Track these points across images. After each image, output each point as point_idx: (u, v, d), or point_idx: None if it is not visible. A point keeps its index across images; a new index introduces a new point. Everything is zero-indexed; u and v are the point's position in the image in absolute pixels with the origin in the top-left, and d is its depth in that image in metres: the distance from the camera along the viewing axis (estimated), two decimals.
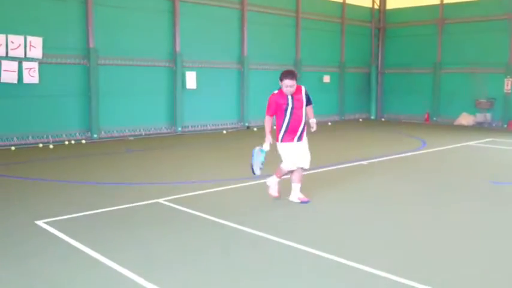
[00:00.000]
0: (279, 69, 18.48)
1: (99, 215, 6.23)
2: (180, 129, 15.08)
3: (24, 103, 12.12)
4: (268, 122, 6.74)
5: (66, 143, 12.43)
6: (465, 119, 19.32)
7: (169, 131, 15.02)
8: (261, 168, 6.77)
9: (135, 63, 14.03)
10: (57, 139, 12.61)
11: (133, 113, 14.13)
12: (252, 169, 6.73)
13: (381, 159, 10.78)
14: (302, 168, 6.91)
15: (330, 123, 19.11)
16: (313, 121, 6.78)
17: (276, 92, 6.68)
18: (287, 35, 18.43)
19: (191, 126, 15.51)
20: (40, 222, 5.81)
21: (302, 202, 6.84)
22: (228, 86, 16.64)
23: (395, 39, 21.79)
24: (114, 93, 13.71)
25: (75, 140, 12.74)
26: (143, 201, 6.84)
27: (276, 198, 6.96)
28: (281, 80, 6.57)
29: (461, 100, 19.58)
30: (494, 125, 18.67)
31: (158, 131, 14.76)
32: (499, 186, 8.32)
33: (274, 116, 6.76)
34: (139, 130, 14.32)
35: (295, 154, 6.75)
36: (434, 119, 20.31)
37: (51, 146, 11.86)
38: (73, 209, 6.42)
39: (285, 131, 6.69)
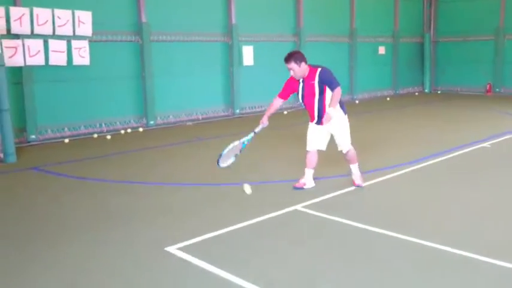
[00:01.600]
0: (335, 41, 17.11)
1: (235, 232, 4.79)
2: (238, 111, 13.57)
3: (74, 88, 10.61)
4: (273, 102, 6.09)
5: (123, 132, 10.95)
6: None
7: (226, 113, 13.51)
8: (234, 157, 5.82)
9: (189, 39, 12.44)
10: (111, 127, 11.15)
11: (188, 95, 12.62)
12: (218, 159, 5.69)
13: (499, 139, 9.27)
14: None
15: (388, 99, 17.57)
16: (328, 111, 5.67)
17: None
18: (341, 4, 16.75)
19: (248, 108, 13.98)
20: (171, 248, 4.39)
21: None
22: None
23: (450, 4, 19.98)
24: (168, 73, 12.18)
25: (131, 128, 11.26)
26: (278, 209, 5.38)
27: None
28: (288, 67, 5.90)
29: (462, 67, 18.05)
30: None
31: (215, 114, 13.26)
32: None
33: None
34: (196, 114, 12.82)
35: (314, 136, 6.05)
36: (497, 90, 18.68)
37: (108, 137, 10.36)
38: (200, 224, 5.00)
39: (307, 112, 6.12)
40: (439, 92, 19.90)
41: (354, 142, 6.13)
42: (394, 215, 5.18)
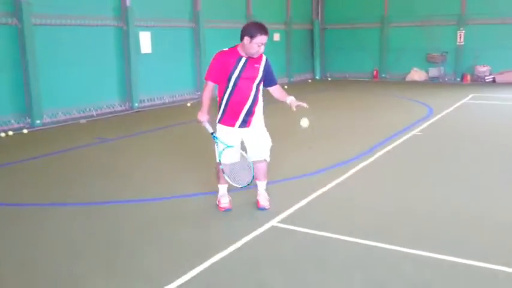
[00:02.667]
0: (232, 27, 16.14)
1: (214, 267, 3.74)
2: (136, 105, 12.09)
3: None
4: (207, 90, 4.57)
5: (3, 135, 8.99)
6: (418, 75, 18.65)
7: (124, 108, 11.96)
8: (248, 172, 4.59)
9: (78, 23, 10.66)
10: None
11: (79, 88, 10.86)
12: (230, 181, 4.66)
13: (424, 125, 9.19)
14: (257, 160, 4.76)
15: (286, 87, 17.20)
16: (292, 99, 4.66)
17: (225, 50, 4.56)
18: None
19: (147, 101, 12.56)
20: None
21: (258, 208, 4.87)
22: (183, 48, 13.81)
23: None
24: (55, 63, 10.32)
25: (12, 130, 9.28)
26: (253, 229, 4.40)
27: (223, 211, 4.85)
28: (251, 35, 4.38)
29: (410, 55, 18.80)
30: (447, 79, 18.22)
31: (111, 109, 11.64)
32: None
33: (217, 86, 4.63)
34: (90, 109, 11.11)
35: (229, 143, 4.62)
36: (384, 75, 19.39)
37: None
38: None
39: (224, 110, 4.61)
40: (329, 78, 20.12)
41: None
42: (371, 222, 4.51)
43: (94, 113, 11.13)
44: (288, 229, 4.41)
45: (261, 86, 4.68)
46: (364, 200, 5.20)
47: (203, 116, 4.56)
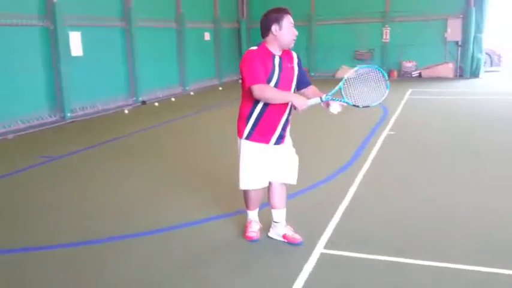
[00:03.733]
0: (164, 26, 14.98)
1: None
2: (69, 114, 10.69)
3: None
4: (268, 88, 3.56)
5: None
6: (347, 71, 18.76)
7: (55, 118, 10.51)
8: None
9: None
10: None
11: (2, 98, 9.33)
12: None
13: (390, 125, 8.97)
14: (283, 183, 3.97)
15: (220, 88, 16.47)
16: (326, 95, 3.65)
17: (254, 48, 3.72)
18: None
19: (79, 109, 11.19)
20: None
21: (289, 243, 3.96)
22: (114, 49, 12.55)
23: None
24: None
25: None
26: (302, 263, 3.69)
27: (250, 241, 4.04)
28: (278, 20, 3.62)
29: (339, 52, 18.91)
30: None
31: (41, 121, 10.17)
32: None
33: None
34: (18, 123, 9.60)
35: (264, 164, 3.82)
36: (313, 74, 19.31)
37: None
38: None
39: (255, 123, 3.75)
40: None
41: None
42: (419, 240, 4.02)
43: (22, 126, 9.64)
44: (341, 256, 3.76)
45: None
46: (393, 212, 4.69)
47: (301, 100, 3.52)
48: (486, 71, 17.97)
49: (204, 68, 17.08)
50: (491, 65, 20.05)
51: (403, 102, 11.79)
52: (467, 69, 17.38)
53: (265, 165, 3.82)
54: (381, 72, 3.73)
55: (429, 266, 3.56)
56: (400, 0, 17.85)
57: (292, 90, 3.80)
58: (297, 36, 3.76)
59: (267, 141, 3.78)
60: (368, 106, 3.69)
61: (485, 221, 4.40)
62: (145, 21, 13.30)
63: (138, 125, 9.82)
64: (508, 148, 7.11)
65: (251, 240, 4.03)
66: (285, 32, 3.65)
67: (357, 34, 18.46)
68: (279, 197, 3.98)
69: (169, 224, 4.52)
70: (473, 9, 16.85)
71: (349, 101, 3.64)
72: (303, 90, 3.92)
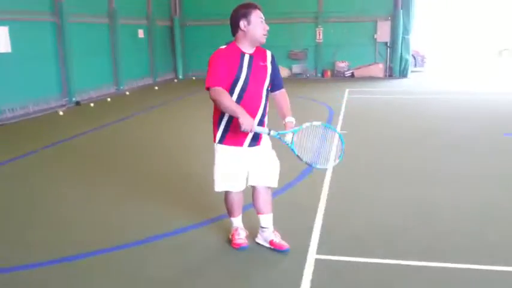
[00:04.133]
0: (96, 22, 14.12)
1: None
2: None
3: None
4: (224, 95, 3.35)
5: None
6: (282, 71, 18.91)
7: None
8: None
9: None
10: None
11: None
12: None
13: (339, 124, 9.06)
14: (266, 187, 3.75)
15: (156, 88, 15.93)
16: (290, 121, 3.57)
17: (223, 47, 3.52)
18: None
19: (9, 111, 10.30)
20: None
21: (276, 250, 3.77)
22: (45, 46, 11.69)
23: None
24: None
25: None
26: (299, 271, 3.53)
27: (239, 248, 3.82)
28: (245, 15, 3.42)
29: (274, 52, 18.48)
30: (309, 75, 18.83)
31: None
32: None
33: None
34: None
35: (239, 167, 3.63)
36: None
37: None
38: None
39: (226, 127, 3.55)
40: (193, 78, 19.29)
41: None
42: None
43: None
44: (337, 260, 3.65)
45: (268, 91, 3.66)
46: (375, 211, 4.67)
47: (248, 120, 3.25)
48: (412, 71, 18.83)
49: (138, 66, 16.47)
50: (416, 65, 21.05)
51: (344, 101, 12.01)
52: (396, 69, 18.10)
53: (241, 168, 3.63)
54: (342, 142, 3.57)
55: (426, 266, 3.55)
56: (332, 1, 18.23)
57: (265, 91, 3.57)
58: (268, 31, 3.52)
59: (240, 144, 3.58)
60: (310, 165, 3.51)
61: (472, 217, 4.49)
62: (77, 16, 12.54)
63: (77, 128, 9.17)
64: (458, 140, 7.40)
65: (240, 247, 3.81)
66: (254, 26, 3.43)
67: (291, 34, 18.63)
68: (263, 202, 3.78)
69: (139, 237, 4.18)
70: (401, 11, 17.57)
71: (295, 150, 3.45)
72: (274, 93, 3.72)
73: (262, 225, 3.84)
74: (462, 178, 5.71)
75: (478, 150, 7.07)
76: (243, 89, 3.46)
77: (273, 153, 3.78)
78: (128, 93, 14.42)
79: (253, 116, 3.48)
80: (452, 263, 3.57)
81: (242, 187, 3.70)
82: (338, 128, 8.64)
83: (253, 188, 3.76)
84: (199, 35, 19.41)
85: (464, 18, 30.77)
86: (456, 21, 31.10)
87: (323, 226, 4.27)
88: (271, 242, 3.82)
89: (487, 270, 3.48)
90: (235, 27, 3.48)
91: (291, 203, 4.91)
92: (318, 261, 3.62)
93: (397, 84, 16.24)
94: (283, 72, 18.70)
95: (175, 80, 18.52)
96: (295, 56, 18.77)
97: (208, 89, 3.40)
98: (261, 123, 3.57)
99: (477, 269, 3.49)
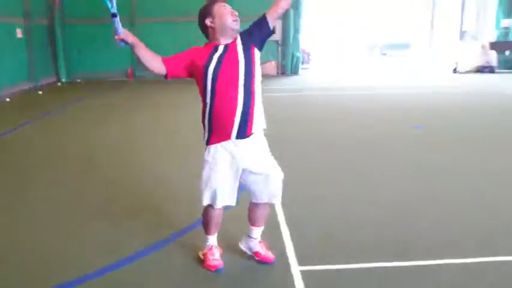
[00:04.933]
0: None
1: None
2: None
3: None
4: (155, 60, 3.19)
5: None
6: None
7: None
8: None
9: None
10: None
11: None
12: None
13: None
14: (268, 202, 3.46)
15: (40, 92, 14.48)
16: None
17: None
18: None
19: None
20: None
21: (261, 261, 3.53)
22: None
23: None
24: None
25: None
26: (287, 285, 3.26)
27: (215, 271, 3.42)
28: (209, 11, 3.14)
29: (164, 51, 18.16)
30: None
31: None
32: (420, 129, 8.30)
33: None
34: None
35: (230, 175, 3.27)
36: (138, 74, 18.41)
37: None
38: None
39: (210, 122, 3.22)
40: (78, 80, 17.95)
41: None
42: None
43: None
44: (321, 270, 3.45)
45: (256, 81, 3.21)
46: (336, 212, 4.55)
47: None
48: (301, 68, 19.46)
49: (16, 70, 14.85)
50: (302, 63, 21.80)
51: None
52: (288, 67, 18.54)
53: (233, 176, 3.27)
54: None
55: (407, 265, 3.49)
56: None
57: (241, 88, 3.13)
58: (237, 16, 3.17)
59: (228, 136, 3.17)
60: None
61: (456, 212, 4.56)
62: None
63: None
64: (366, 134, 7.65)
65: (216, 269, 3.43)
66: (220, 17, 3.12)
67: (182, 33, 18.06)
68: (260, 215, 3.51)
69: (99, 266, 3.61)
70: (292, 10, 17.99)
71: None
72: (267, 18, 3.21)
73: (252, 235, 3.55)
74: (375, 172, 5.86)
75: (392, 145, 7.36)
76: (214, 79, 3.11)
77: (275, 162, 3.39)
78: (8, 99, 12.90)
79: (233, 107, 3.12)
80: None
81: (233, 202, 3.32)
82: None
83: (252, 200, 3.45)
84: (83, 34, 18.12)
85: (340, 17, 32.64)
86: (333, 20, 32.88)
87: (292, 235, 4.04)
88: (256, 253, 3.55)
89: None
90: (204, 30, 3.20)
91: (243, 215, 4.62)
92: (305, 274, 3.38)
93: (292, 81, 16.67)
94: None
95: (59, 84, 17.06)
96: None
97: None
98: (246, 116, 3.15)
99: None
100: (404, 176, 5.70)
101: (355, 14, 35.39)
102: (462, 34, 21.19)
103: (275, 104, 11.65)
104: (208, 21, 3.14)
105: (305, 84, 15.18)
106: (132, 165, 6.31)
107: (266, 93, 12.90)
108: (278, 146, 6.58)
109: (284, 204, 4.70)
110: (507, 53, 18.47)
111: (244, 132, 3.18)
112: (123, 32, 3.07)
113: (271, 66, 18.47)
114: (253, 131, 3.21)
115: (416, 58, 22.92)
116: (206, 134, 3.27)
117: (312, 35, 23.07)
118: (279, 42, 18.52)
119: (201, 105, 3.26)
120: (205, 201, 3.30)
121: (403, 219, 4.35)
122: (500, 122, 9.03)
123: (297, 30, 18.30)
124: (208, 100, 3.16)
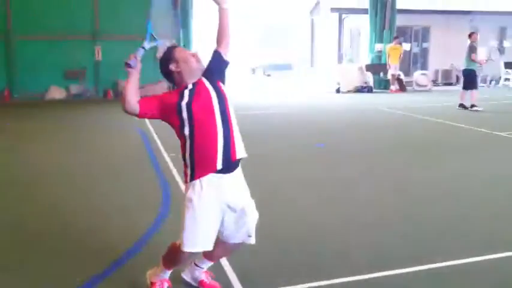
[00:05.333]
0: None
1: None
2: None
3: None
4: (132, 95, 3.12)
5: None
6: (58, 92, 17.26)
7: None
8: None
9: None
10: None
11: None
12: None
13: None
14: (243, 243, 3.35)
15: None
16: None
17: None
18: None
19: None
20: None
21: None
22: None
23: None
24: None
25: None
26: None
27: None
28: (170, 58, 3.21)
29: (47, 71, 17.16)
30: (89, 95, 17.63)
31: None
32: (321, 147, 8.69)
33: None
34: None
35: (214, 217, 3.13)
36: (16, 96, 16.97)
37: None
38: None
39: (191, 157, 3.10)
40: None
41: None
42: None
43: None
44: None
45: (229, 105, 3.19)
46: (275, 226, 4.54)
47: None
48: None
49: None
50: None
51: (147, 122, 11.55)
52: None
53: (217, 220, 3.12)
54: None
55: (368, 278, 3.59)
56: (109, 18, 17.39)
57: (217, 111, 3.10)
58: (198, 56, 3.26)
59: (214, 166, 3.04)
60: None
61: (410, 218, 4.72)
62: None
63: None
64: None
65: None
66: (184, 60, 3.18)
67: (66, 52, 17.14)
68: (224, 254, 3.55)
69: None
70: (181, 31, 17.92)
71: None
72: (219, 45, 3.34)
73: (200, 265, 3.44)
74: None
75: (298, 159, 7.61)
76: (189, 116, 3.07)
77: (253, 203, 3.29)
78: None
79: (214, 146, 3.05)
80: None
81: (211, 246, 3.14)
82: (165, 153, 8.23)
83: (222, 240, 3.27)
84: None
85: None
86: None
87: (231, 259, 3.95)
88: (201, 283, 3.46)
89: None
90: (169, 75, 3.22)
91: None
92: None
93: None
94: (61, 92, 17.09)
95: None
96: (72, 75, 17.35)
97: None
98: (227, 139, 3.10)
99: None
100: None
101: (238, 35, 36.28)
102: (340, 56, 22.64)
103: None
104: (173, 67, 3.18)
105: None
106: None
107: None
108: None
109: None
110: (381, 74, 20.13)
111: (229, 157, 3.10)
112: (137, 63, 3.15)
113: (161, 88, 18.14)
114: (237, 157, 3.14)
115: (300, 79, 24.05)
116: (189, 171, 3.11)
117: (201, 54, 23.07)
118: None
119: (179, 144, 3.14)
120: (188, 247, 3.07)
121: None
122: (380, 136, 9.80)
123: (188, 49, 18.27)
124: (187, 132, 3.08)
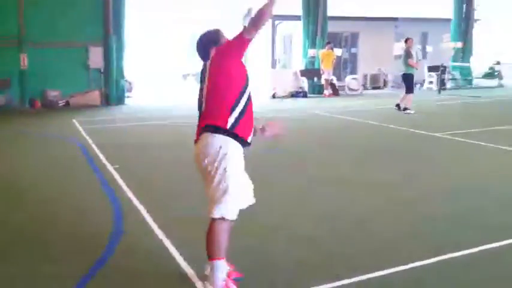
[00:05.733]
0: None
1: None
2: None
3: None
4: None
5: None
6: None
7: None
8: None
9: None
10: None
11: None
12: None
13: (103, 159, 8.26)
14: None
15: None
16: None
17: None
18: None
19: None
20: None
21: None
22: None
23: None
24: None
25: None
26: None
27: None
28: (219, 39, 3.44)
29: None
30: (14, 105, 16.58)
31: None
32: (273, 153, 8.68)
33: None
34: None
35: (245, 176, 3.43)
36: None
37: None
38: None
39: (240, 115, 3.24)
40: None
41: None
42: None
43: None
44: None
45: None
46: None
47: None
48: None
49: None
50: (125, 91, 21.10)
51: (84, 134, 11.02)
52: (113, 97, 17.69)
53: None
54: None
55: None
56: (36, 25, 16.47)
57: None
58: None
59: (246, 137, 3.32)
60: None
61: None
62: None
63: None
64: None
65: None
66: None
67: None
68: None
69: None
70: (113, 37, 17.32)
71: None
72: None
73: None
74: None
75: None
76: (248, 93, 3.35)
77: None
78: None
79: (252, 123, 3.44)
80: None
81: (250, 201, 3.46)
82: (107, 164, 7.86)
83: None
84: None
85: (156, 44, 32.54)
86: (151, 48, 32.62)
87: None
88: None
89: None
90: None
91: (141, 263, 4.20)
92: None
93: (117, 111, 15.96)
94: None
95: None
96: None
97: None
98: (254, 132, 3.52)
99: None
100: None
101: (169, 42, 35.78)
102: (274, 62, 22.87)
103: (118, 134, 11.03)
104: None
105: (133, 114, 14.72)
106: None
107: (105, 124, 12.30)
108: (139, 178, 6.22)
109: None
110: (315, 79, 20.56)
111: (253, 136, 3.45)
112: None
113: (95, 96, 17.47)
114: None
115: None
116: (232, 120, 3.18)
117: (134, 62, 22.39)
118: (101, 70, 17.63)
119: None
120: (241, 206, 3.25)
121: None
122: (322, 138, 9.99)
123: (120, 57, 17.70)
124: (244, 100, 3.27)
